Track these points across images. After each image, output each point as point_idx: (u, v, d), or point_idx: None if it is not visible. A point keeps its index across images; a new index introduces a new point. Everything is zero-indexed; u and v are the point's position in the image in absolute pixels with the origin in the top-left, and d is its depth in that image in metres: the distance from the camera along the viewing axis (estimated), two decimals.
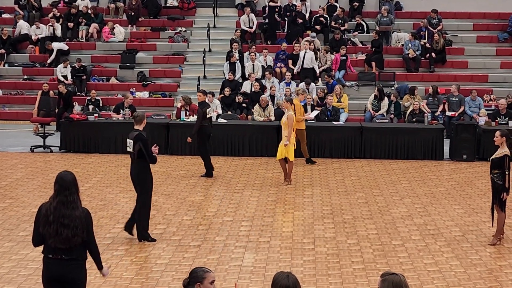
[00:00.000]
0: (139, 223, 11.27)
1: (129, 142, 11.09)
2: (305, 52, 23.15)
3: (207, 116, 16.07)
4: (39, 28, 25.61)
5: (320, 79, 23.11)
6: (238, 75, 23.13)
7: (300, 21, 25.27)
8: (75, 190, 6.91)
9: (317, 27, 25.38)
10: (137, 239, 11.29)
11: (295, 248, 11.05)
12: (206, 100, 16.95)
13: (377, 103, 21.21)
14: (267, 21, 25.39)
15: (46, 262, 6.97)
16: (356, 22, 25.87)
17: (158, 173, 16.29)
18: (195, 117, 18.88)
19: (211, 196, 14.35)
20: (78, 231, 6.82)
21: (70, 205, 6.84)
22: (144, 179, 11.15)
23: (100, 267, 7.20)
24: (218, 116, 19.80)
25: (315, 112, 19.33)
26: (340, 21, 25.49)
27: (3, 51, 25.01)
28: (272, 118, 19.46)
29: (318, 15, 25.55)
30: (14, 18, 26.30)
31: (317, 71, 23.18)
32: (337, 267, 10.19)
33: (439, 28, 24.99)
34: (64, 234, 6.78)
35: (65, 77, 23.52)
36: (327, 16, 25.62)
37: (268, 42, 25.30)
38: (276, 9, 25.78)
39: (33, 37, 25.57)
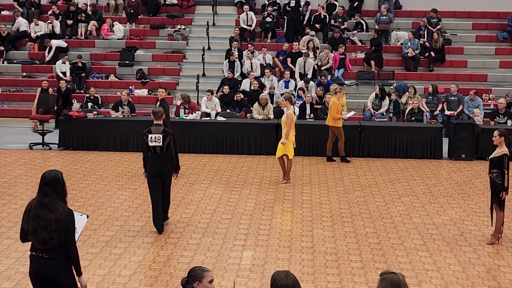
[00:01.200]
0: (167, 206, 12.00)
1: (156, 136, 11.39)
2: (305, 62, 23.13)
3: None
4: (38, 25, 25.60)
5: (319, 77, 23.09)
6: (237, 73, 23.13)
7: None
8: (53, 191, 6.73)
9: (317, 25, 25.38)
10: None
11: (294, 247, 11.05)
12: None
13: (378, 102, 21.20)
14: (269, 19, 25.40)
15: (31, 260, 6.90)
16: (355, 21, 25.90)
17: None
18: (194, 115, 18.96)
19: (210, 194, 14.35)
20: (53, 235, 6.65)
21: (45, 208, 6.72)
22: (171, 171, 11.69)
23: (79, 273, 6.84)
24: (217, 114, 19.80)
25: (352, 113, 19.44)
26: (339, 20, 25.51)
27: (2, 48, 25.01)
28: (271, 116, 19.48)
29: (317, 13, 25.56)
30: (13, 15, 26.28)
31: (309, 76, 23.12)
32: (335, 266, 10.19)
33: (438, 27, 25.01)
34: (40, 236, 6.67)
35: (64, 73, 23.51)
36: (326, 14, 25.63)
37: (268, 40, 25.32)
38: (276, 7, 25.86)
39: (32, 34, 25.55)
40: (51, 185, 6.77)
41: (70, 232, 6.76)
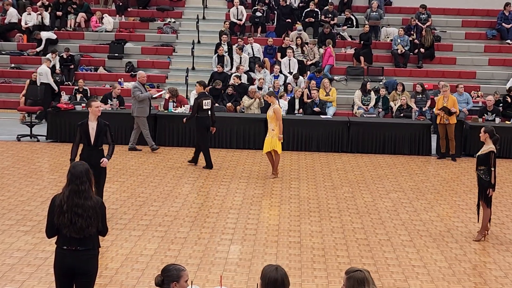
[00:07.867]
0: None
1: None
2: (289, 60, 23.12)
3: (204, 107, 15.88)
4: (30, 14, 25.42)
5: (308, 72, 23.07)
6: (227, 68, 23.09)
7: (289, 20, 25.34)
8: (87, 179, 6.87)
9: (311, 19, 25.28)
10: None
11: (281, 241, 11.07)
12: (206, 92, 16.79)
13: (365, 97, 21.25)
14: (258, 14, 25.38)
15: (60, 253, 6.92)
16: (345, 16, 25.90)
17: (146, 164, 16.28)
18: (183, 108, 18.95)
19: (198, 188, 14.34)
20: (92, 221, 6.83)
21: (82, 195, 6.82)
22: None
23: None
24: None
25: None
26: (330, 15, 25.51)
27: None
28: (262, 103, 19.85)
29: (309, 9, 25.50)
30: (2, 6, 26.14)
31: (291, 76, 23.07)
32: (322, 261, 10.21)
33: (428, 23, 25.05)
34: (78, 224, 6.78)
35: (54, 67, 23.39)
36: (317, 10, 25.60)
37: (258, 34, 25.29)
38: (267, 1, 25.85)
39: (22, 24, 25.39)
40: (84, 173, 6.90)
41: (104, 219, 7.06)
